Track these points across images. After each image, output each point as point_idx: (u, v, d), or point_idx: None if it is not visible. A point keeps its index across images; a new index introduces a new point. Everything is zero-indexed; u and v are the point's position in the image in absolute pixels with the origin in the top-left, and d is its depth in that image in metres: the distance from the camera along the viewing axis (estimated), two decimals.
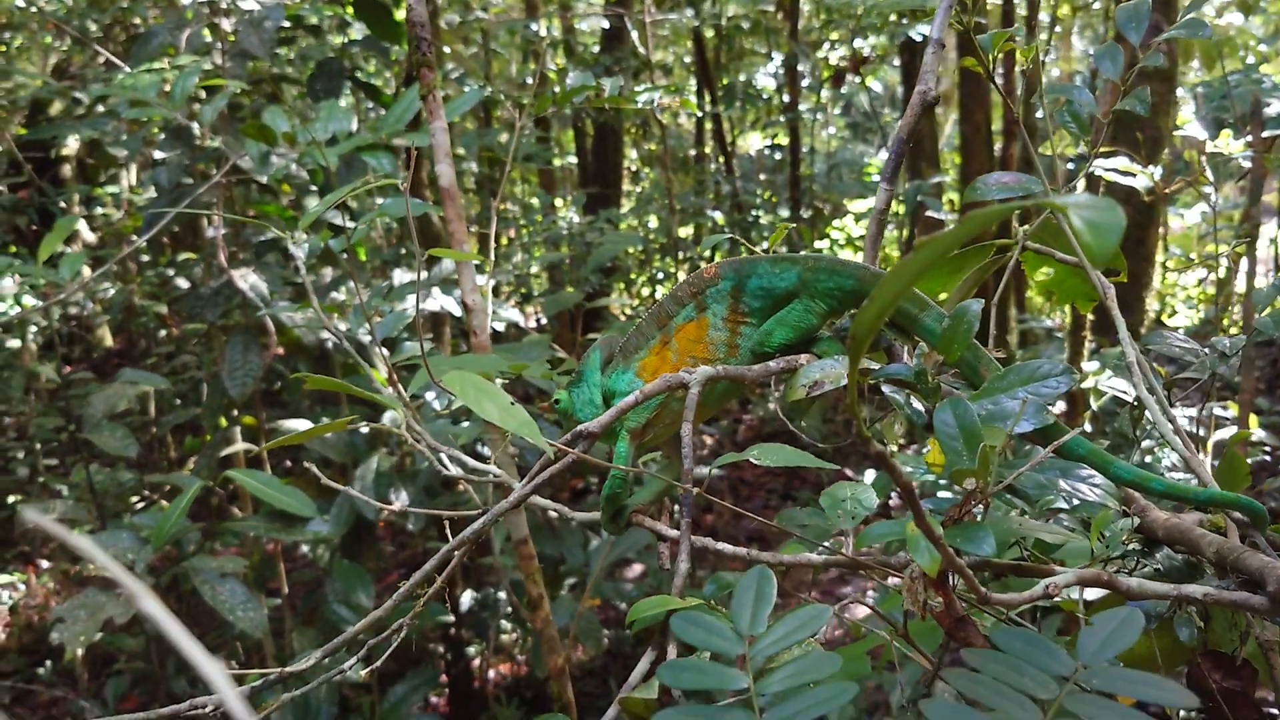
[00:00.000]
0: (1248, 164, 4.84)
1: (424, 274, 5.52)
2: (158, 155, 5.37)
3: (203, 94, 4.86)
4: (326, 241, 3.84)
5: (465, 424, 4.47)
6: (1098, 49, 1.89)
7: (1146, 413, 2.44)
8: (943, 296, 2.05)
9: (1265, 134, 4.63)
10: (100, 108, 6.79)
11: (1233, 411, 4.80)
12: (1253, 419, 4.32)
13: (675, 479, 1.80)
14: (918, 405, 1.58)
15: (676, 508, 1.69)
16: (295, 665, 1.38)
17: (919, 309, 1.69)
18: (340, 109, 4.29)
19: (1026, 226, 1.92)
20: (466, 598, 6.52)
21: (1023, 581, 1.67)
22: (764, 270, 1.80)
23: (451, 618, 6.40)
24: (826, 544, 1.54)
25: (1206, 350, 2.05)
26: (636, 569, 8.05)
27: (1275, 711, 1.61)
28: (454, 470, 2.06)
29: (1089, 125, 1.93)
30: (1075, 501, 1.85)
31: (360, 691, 5.91)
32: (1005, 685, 1.00)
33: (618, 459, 1.73)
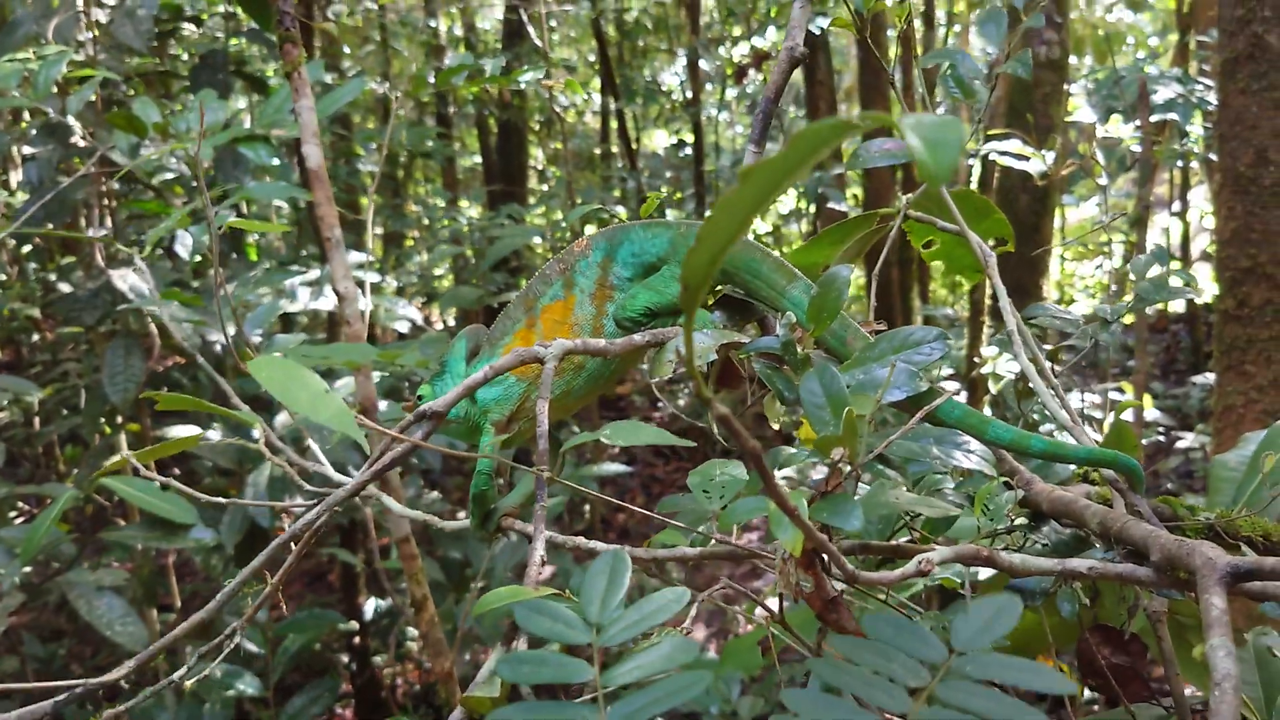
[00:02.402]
0: (1137, 148, 4.90)
1: (316, 271, 5.33)
2: (28, 151, 5.12)
3: (78, 88, 4.63)
4: (166, 230, 3.63)
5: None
6: (979, 14, 1.83)
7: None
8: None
9: (1153, 118, 4.69)
10: None
11: (1128, 393, 4.86)
12: (1147, 399, 4.37)
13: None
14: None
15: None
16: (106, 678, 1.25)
17: (787, 280, 1.61)
18: (215, 99, 4.11)
19: (910, 195, 1.86)
20: (370, 605, 6.34)
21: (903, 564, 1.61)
22: (637, 236, 1.71)
23: (355, 626, 6.23)
24: (701, 529, 1.45)
25: (1083, 321, 2.01)
26: (546, 571, 7.93)
27: (1164, 686, 1.57)
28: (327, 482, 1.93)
29: (973, 91, 1.87)
30: (954, 467, 1.78)
31: (259, 705, 5.70)
32: (874, 674, 0.92)
33: (481, 457, 1.62)
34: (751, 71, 12.61)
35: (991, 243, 2.04)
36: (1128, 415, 4.20)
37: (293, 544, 1.49)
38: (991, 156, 3.60)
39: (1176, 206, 11.00)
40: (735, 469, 1.37)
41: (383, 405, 4.65)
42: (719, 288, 1.69)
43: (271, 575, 1.72)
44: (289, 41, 2.54)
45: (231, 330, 4.38)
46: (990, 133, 4.25)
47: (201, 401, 1.74)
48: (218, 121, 4.09)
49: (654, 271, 1.68)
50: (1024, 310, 2.03)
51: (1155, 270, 1.88)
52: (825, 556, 1.21)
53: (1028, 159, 4.35)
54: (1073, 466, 1.72)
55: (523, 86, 3.33)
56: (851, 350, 1.47)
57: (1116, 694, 1.52)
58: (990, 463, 1.32)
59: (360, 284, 3.46)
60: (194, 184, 5.49)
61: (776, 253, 1.63)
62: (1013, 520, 1.52)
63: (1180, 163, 9.53)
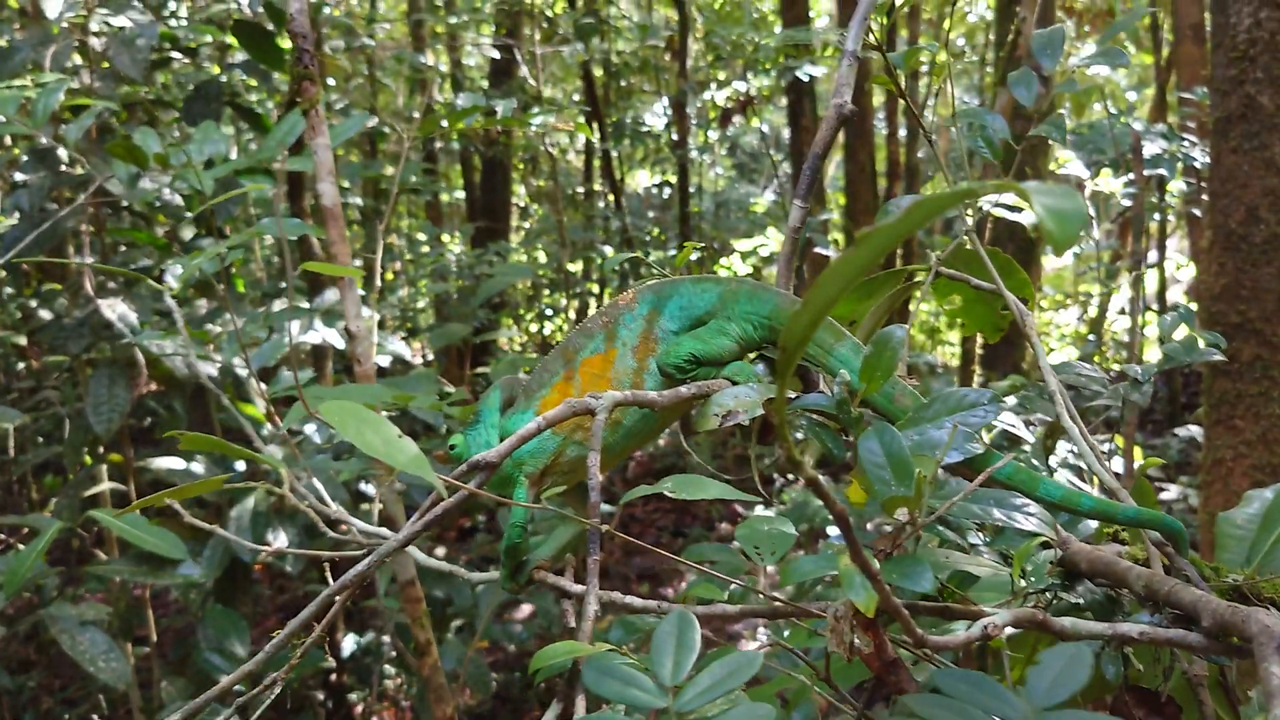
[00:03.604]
0: (1127, 202, 4.96)
1: (305, 304, 5.31)
2: (19, 178, 5.07)
3: (70, 115, 4.61)
4: (198, 265, 3.63)
5: (349, 459, 4.26)
6: (1012, 75, 1.86)
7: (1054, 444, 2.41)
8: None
9: (1145, 173, 4.76)
10: None
11: (1115, 444, 4.88)
12: (1137, 450, 4.39)
13: (575, 536, 1.69)
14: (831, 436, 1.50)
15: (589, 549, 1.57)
16: None
17: (835, 338, 1.61)
18: (216, 131, 4.10)
19: (939, 252, 1.87)
20: (349, 642, 6.25)
21: (930, 621, 1.60)
22: (685, 290, 1.71)
23: (333, 663, 6.14)
24: (740, 581, 1.45)
25: (1110, 379, 2.02)
26: (525, 609, 7.87)
27: None
28: (356, 532, 1.90)
29: (1000, 151, 1.89)
30: (985, 536, 1.78)
31: None
32: None
33: (516, 509, 1.60)
34: (735, 116, 12.70)
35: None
36: (1118, 465, 4.22)
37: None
38: (989, 209, 3.64)
39: (1153, 257, 11.13)
40: (783, 526, 1.36)
41: None
42: (764, 347, 1.68)
43: (250, 611, 1.70)
44: (307, 79, 2.53)
45: (238, 363, 4.34)
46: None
47: (227, 444, 1.73)
48: (219, 153, 4.08)
49: (700, 325, 1.68)
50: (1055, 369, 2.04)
51: (1182, 331, 1.89)
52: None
53: (1021, 210, 4.39)
54: (1095, 523, 1.73)
55: (533, 128, 3.34)
56: (900, 408, 1.47)
57: None
58: (1049, 525, 1.33)
59: (368, 322, 3.45)
60: (186, 214, 5.47)
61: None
62: (1049, 579, 1.52)
63: (1158, 215, 9.67)
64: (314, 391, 2.21)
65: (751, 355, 1.71)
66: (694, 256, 11.43)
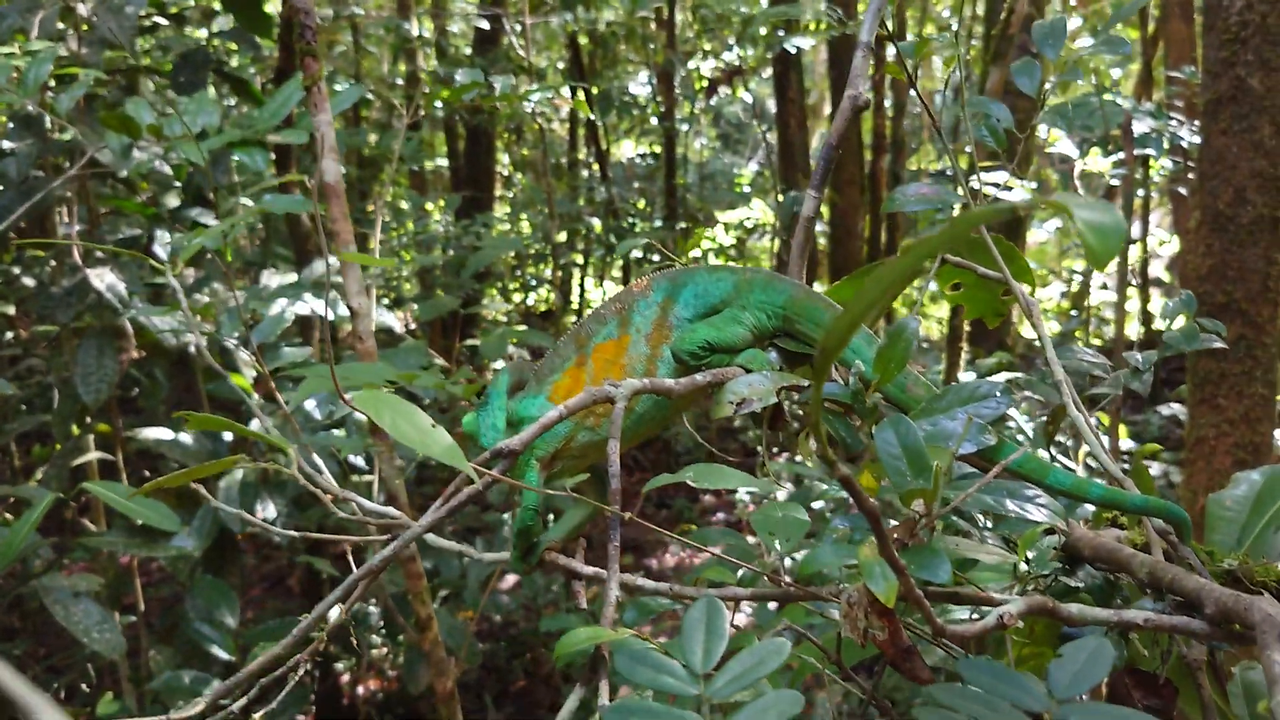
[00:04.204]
0: (1116, 181, 4.99)
1: (296, 276, 5.29)
2: (5, 145, 5.03)
3: (54, 82, 4.57)
4: (201, 243, 3.61)
5: (353, 436, 4.27)
6: (1015, 65, 1.88)
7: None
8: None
9: (1135, 152, 4.79)
10: None
11: (1099, 421, 4.94)
12: (1122, 429, 4.46)
13: (585, 518, 1.72)
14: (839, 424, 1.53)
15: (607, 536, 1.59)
16: (183, 712, 1.25)
17: None
18: (209, 101, 4.08)
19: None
20: (335, 611, 6.27)
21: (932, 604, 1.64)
22: (701, 278, 1.72)
23: (320, 633, 6.17)
24: (753, 567, 1.47)
25: (1110, 364, 2.06)
26: (510, 580, 7.91)
27: None
28: (358, 510, 1.92)
29: (1004, 139, 1.91)
30: (988, 521, 1.82)
31: None
32: None
33: (528, 492, 1.62)
34: (720, 87, 12.65)
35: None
36: (1105, 440, 4.28)
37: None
38: (980, 189, 3.66)
39: (1136, 232, 11.20)
40: (796, 513, 1.39)
41: None
42: (777, 336, 1.70)
43: (236, 581, 1.72)
44: (309, 54, 2.53)
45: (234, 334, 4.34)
46: (981, 165, 4.30)
47: (233, 423, 1.74)
48: (211, 123, 4.05)
49: (715, 314, 1.69)
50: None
51: (1181, 319, 1.93)
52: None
53: (1011, 189, 4.41)
54: (1091, 508, 1.77)
55: (531, 105, 3.34)
56: (913, 397, 1.49)
57: None
58: (1059, 514, 1.36)
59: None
60: (175, 184, 5.44)
61: (829, 298, 1.66)
62: (1053, 565, 1.55)
63: (1141, 191, 9.72)
64: (315, 369, 2.22)
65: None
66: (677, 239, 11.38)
